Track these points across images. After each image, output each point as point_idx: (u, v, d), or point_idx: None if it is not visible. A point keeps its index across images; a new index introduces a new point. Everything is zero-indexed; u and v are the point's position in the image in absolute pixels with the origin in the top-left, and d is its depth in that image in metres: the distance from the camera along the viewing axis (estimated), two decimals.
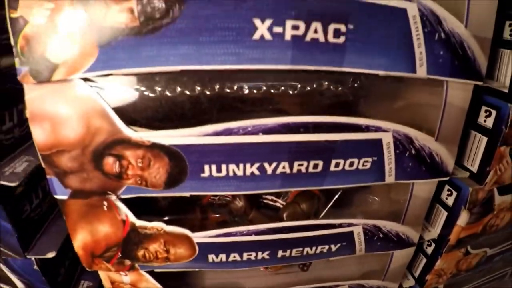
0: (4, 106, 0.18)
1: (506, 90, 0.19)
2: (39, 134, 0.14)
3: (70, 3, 0.12)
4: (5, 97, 0.18)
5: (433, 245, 0.24)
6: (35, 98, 0.14)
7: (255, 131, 0.14)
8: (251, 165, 0.15)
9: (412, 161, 0.18)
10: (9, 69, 0.17)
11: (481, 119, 0.20)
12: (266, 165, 0.15)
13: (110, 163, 0.15)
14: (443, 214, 0.23)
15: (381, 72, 0.14)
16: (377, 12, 0.13)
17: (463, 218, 0.21)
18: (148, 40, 0.12)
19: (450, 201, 0.22)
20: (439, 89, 0.16)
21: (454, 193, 0.21)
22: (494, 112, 0.20)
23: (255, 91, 0.14)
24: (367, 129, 0.16)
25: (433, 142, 0.17)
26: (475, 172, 0.21)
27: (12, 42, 0.13)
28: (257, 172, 0.15)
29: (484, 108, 0.20)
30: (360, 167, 0.16)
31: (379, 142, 0.16)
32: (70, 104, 0.14)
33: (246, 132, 0.14)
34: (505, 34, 0.19)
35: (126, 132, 0.14)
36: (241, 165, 0.15)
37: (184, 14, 0.12)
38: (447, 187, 0.22)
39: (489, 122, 0.20)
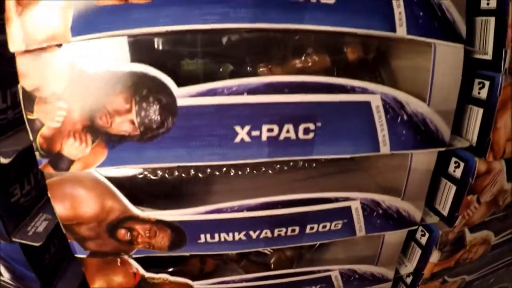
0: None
1: (474, 145, 0.21)
2: (61, 210, 0.17)
3: (80, 114, 0.15)
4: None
5: (411, 276, 0.27)
6: (56, 182, 0.17)
7: (240, 209, 0.17)
8: (238, 233, 0.18)
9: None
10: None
11: (451, 169, 0.23)
12: (250, 232, 0.18)
13: (123, 233, 0.18)
14: (418, 252, 0.25)
15: (347, 156, 0.17)
16: (344, 108, 0.16)
17: (435, 256, 0.24)
18: (148, 145, 0.16)
19: (423, 240, 0.25)
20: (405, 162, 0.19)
21: (427, 234, 0.24)
22: (462, 164, 0.22)
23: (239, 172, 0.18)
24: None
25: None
26: (446, 215, 0.24)
27: (31, 139, 0.16)
28: (243, 238, 0.18)
29: (454, 159, 0.23)
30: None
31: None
32: (86, 188, 0.17)
33: (232, 210, 0.17)
34: (474, 92, 0.22)
35: (135, 211, 0.17)
36: (230, 233, 0.18)
37: (176, 125, 0.15)
38: (420, 228, 0.25)
39: (458, 173, 0.23)
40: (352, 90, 0.16)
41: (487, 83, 0.21)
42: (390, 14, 0.15)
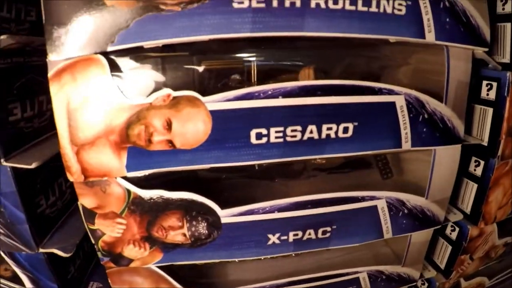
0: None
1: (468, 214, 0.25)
2: None
3: (139, 229, 0.19)
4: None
5: None
6: (115, 271, 0.21)
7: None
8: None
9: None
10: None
11: (448, 231, 0.28)
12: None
13: None
14: None
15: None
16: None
17: None
18: (198, 249, 0.20)
19: None
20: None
21: (426, 284, 0.30)
22: (457, 229, 0.27)
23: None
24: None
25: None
26: (442, 269, 0.29)
27: (94, 244, 0.20)
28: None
29: (450, 223, 0.27)
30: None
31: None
32: (142, 276, 0.22)
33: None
34: (471, 168, 0.26)
35: None
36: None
37: (221, 236, 0.19)
38: (420, 280, 0.30)
39: (454, 235, 0.27)
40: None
41: (482, 162, 0.25)
42: (396, 135, 0.19)
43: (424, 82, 0.21)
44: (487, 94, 0.24)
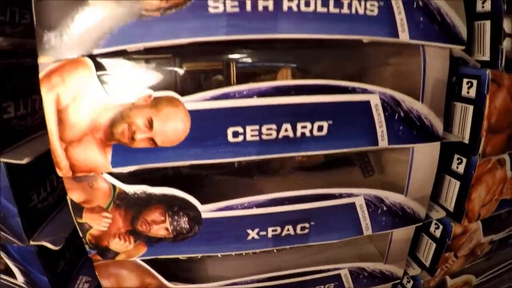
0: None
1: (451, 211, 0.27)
2: (107, 284, 0.24)
3: (123, 223, 0.20)
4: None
5: None
6: (102, 264, 0.23)
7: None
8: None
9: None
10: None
11: (432, 229, 0.29)
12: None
13: None
14: None
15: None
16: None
17: None
18: (180, 243, 0.21)
19: (409, 286, 0.31)
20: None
21: (411, 281, 0.31)
22: (441, 227, 0.28)
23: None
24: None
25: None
26: (427, 266, 0.30)
27: (81, 237, 0.22)
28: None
29: (434, 221, 0.28)
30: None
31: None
32: (128, 269, 0.24)
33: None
34: (453, 165, 0.27)
35: (169, 285, 0.24)
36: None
37: (202, 231, 0.21)
38: (406, 277, 0.31)
39: (438, 233, 0.29)
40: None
41: (464, 160, 0.26)
42: (372, 133, 0.20)
43: (400, 81, 0.22)
44: (468, 92, 0.26)
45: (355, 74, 0.22)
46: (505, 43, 0.24)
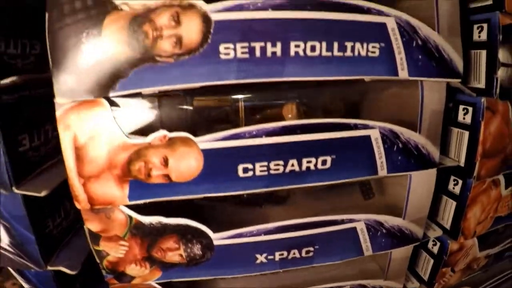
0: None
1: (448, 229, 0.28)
2: None
3: (140, 250, 0.22)
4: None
5: None
6: (119, 287, 0.24)
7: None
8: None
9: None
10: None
11: (430, 245, 0.31)
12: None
13: None
14: None
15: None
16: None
17: None
18: (194, 268, 0.23)
19: None
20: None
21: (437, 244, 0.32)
22: (438, 243, 0.30)
23: None
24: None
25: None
26: (426, 280, 0.32)
27: (98, 263, 0.23)
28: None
29: (432, 239, 0.30)
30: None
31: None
32: None
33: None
34: (450, 186, 0.28)
35: None
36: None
37: (214, 256, 0.22)
38: None
39: (435, 249, 0.31)
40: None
41: (460, 181, 0.28)
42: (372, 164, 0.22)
43: (399, 114, 0.24)
44: (464, 118, 0.27)
45: (356, 107, 0.24)
46: (500, 72, 0.26)
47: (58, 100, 0.19)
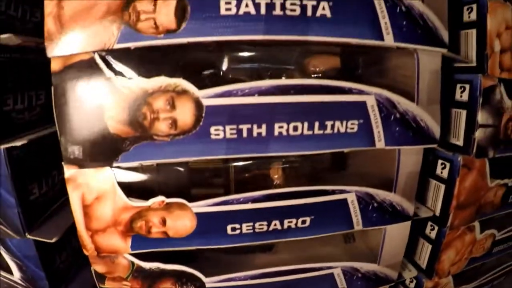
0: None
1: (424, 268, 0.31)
2: None
3: (140, 285, 0.25)
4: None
5: None
6: None
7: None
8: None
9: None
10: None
11: (407, 281, 0.34)
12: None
13: None
14: None
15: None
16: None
17: None
18: None
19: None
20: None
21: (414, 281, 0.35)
22: (414, 281, 0.32)
23: None
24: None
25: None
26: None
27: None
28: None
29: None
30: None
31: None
32: None
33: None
34: (427, 231, 0.30)
35: None
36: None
37: None
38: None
39: (412, 285, 0.33)
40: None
41: (436, 227, 0.30)
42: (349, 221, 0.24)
43: (376, 178, 0.26)
44: (441, 172, 0.30)
45: (336, 173, 0.26)
46: (478, 133, 0.28)
47: (66, 167, 0.22)
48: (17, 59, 0.26)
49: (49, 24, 0.19)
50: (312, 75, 0.26)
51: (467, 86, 0.28)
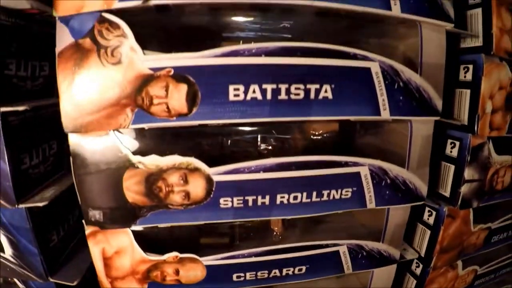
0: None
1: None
2: None
3: None
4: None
5: None
6: None
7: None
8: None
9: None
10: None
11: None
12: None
13: None
14: None
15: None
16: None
17: None
18: None
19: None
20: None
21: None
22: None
23: None
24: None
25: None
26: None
27: None
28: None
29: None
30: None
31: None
32: None
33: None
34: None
35: None
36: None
37: None
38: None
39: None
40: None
41: (421, 266, 0.33)
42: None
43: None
44: (428, 219, 0.33)
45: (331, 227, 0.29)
46: (464, 188, 0.30)
47: (87, 228, 0.24)
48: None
49: (66, 105, 0.20)
50: (312, 137, 0.28)
51: (457, 143, 0.31)
